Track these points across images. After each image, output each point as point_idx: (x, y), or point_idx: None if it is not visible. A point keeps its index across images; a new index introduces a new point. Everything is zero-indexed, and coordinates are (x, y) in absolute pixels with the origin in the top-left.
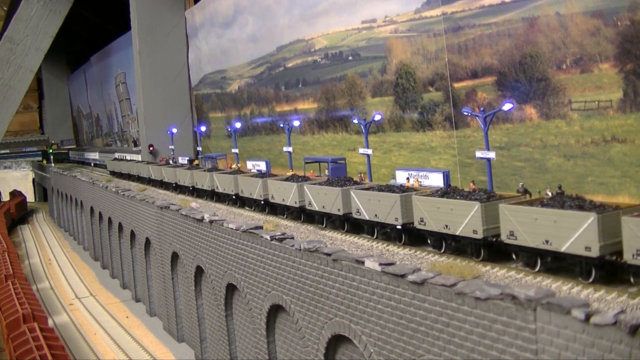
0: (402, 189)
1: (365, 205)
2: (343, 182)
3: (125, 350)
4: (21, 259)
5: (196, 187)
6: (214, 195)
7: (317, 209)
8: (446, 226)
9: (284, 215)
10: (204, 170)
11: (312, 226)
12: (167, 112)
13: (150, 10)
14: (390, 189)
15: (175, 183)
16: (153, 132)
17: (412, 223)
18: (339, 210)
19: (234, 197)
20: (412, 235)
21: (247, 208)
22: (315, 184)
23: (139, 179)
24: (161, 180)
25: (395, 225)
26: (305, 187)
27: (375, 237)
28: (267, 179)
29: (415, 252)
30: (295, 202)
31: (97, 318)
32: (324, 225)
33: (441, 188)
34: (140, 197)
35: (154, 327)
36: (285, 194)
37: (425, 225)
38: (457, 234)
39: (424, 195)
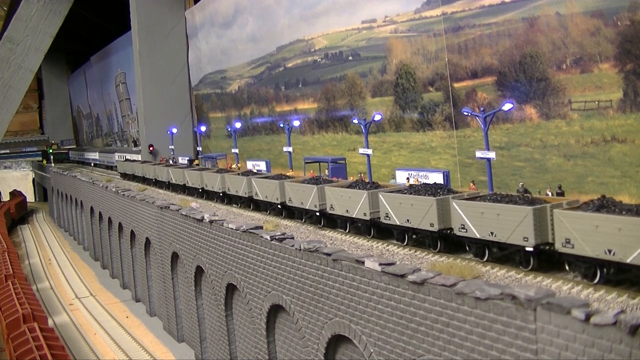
0: (436, 187)
1: (396, 209)
2: (368, 185)
3: (125, 350)
4: (21, 259)
5: (229, 192)
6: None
7: (339, 213)
8: (492, 233)
9: (302, 220)
10: (238, 174)
11: (333, 232)
12: (167, 112)
13: (150, 10)
14: (425, 189)
15: (202, 188)
16: (153, 132)
17: (451, 229)
18: (365, 214)
19: (279, 205)
20: (449, 243)
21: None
22: (337, 186)
23: (156, 182)
24: (184, 185)
25: (430, 231)
26: (326, 190)
27: (405, 243)
28: (284, 181)
29: (415, 252)
30: (315, 206)
31: (97, 318)
32: (346, 230)
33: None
34: (140, 197)
35: (154, 327)
36: (304, 197)
37: (466, 232)
38: (505, 241)
39: (465, 199)
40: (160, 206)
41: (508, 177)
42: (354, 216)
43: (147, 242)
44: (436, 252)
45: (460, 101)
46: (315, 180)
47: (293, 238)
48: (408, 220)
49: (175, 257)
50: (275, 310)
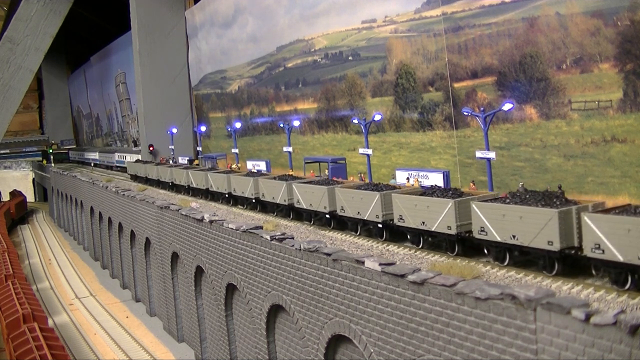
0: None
1: (410, 211)
2: (379, 186)
3: (125, 350)
4: (21, 259)
5: (263, 199)
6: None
7: (351, 214)
8: (513, 236)
9: (310, 222)
10: (275, 178)
11: (342, 234)
12: (167, 112)
13: (150, 10)
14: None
15: (229, 193)
16: (153, 132)
17: (470, 232)
18: (377, 216)
19: (288, 206)
20: (466, 246)
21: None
22: (349, 187)
23: (173, 186)
24: (207, 189)
25: (448, 234)
26: (337, 191)
27: (420, 246)
28: (291, 181)
29: (415, 252)
30: (325, 207)
31: (97, 318)
32: (357, 233)
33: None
34: (140, 197)
35: (154, 327)
36: (314, 198)
37: (486, 235)
38: (529, 245)
39: (484, 200)
40: (160, 206)
41: (508, 177)
42: (365, 218)
43: (147, 242)
44: (454, 256)
45: (460, 101)
46: (326, 181)
47: (293, 238)
48: (424, 223)
49: (175, 257)
50: (275, 310)
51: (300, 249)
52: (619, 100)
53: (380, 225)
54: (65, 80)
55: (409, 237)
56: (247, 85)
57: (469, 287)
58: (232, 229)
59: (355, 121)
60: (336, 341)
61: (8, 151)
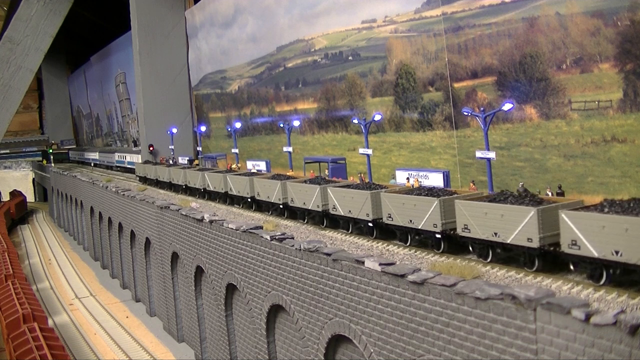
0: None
1: (398, 209)
2: (369, 186)
3: (125, 350)
4: (21, 259)
5: (310, 208)
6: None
7: (401, 223)
8: (495, 234)
9: (348, 230)
10: (305, 182)
11: (343, 234)
12: (167, 112)
13: (150, 10)
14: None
15: (252, 197)
16: (153, 132)
17: (455, 229)
18: (367, 215)
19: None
20: (452, 243)
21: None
22: (396, 192)
23: (186, 189)
24: (226, 193)
25: (434, 232)
26: (383, 196)
27: (408, 244)
28: (325, 186)
29: (415, 252)
30: (367, 215)
31: (97, 318)
32: (349, 231)
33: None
34: (140, 197)
35: (154, 327)
36: (354, 204)
37: (470, 232)
38: (508, 242)
39: (469, 199)
40: (160, 206)
41: (508, 177)
42: (357, 217)
43: (147, 242)
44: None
45: (460, 101)
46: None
47: (293, 238)
48: (411, 221)
49: (175, 257)
50: (275, 310)
51: (300, 249)
52: (619, 100)
53: (370, 224)
54: (65, 80)
55: (397, 235)
56: (247, 85)
57: (469, 287)
58: (232, 229)
59: (355, 121)
60: (336, 341)
61: (8, 151)
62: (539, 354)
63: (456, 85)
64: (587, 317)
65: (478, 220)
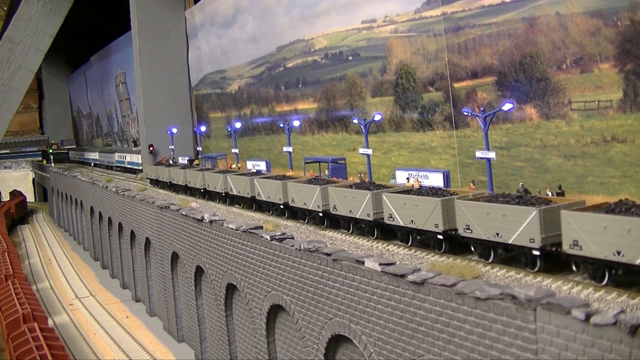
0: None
1: (400, 210)
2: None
3: (125, 350)
4: (21, 259)
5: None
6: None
7: (401, 223)
8: (497, 234)
9: (349, 230)
10: (353, 187)
11: (343, 234)
12: (167, 112)
13: (150, 10)
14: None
15: (285, 204)
16: (153, 132)
17: (456, 230)
18: (368, 215)
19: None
20: (453, 244)
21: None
22: (398, 192)
23: (205, 193)
24: (252, 198)
25: (435, 232)
26: (384, 196)
27: (409, 244)
28: (326, 186)
29: (415, 252)
30: (369, 215)
31: (97, 318)
32: (350, 231)
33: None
34: (140, 197)
35: (154, 327)
36: (355, 204)
37: (471, 232)
38: (510, 242)
39: (471, 199)
40: (160, 206)
41: (508, 177)
42: (357, 216)
43: (147, 242)
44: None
45: (460, 101)
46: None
47: (293, 238)
48: (412, 221)
49: (175, 257)
50: (275, 310)
51: (300, 249)
52: (619, 100)
53: (371, 224)
54: (65, 80)
55: (399, 235)
56: (247, 85)
57: (469, 287)
58: (232, 229)
59: (355, 121)
60: (336, 341)
61: (8, 151)
62: (539, 354)
63: (456, 85)
64: (587, 317)
65: (480, 220)
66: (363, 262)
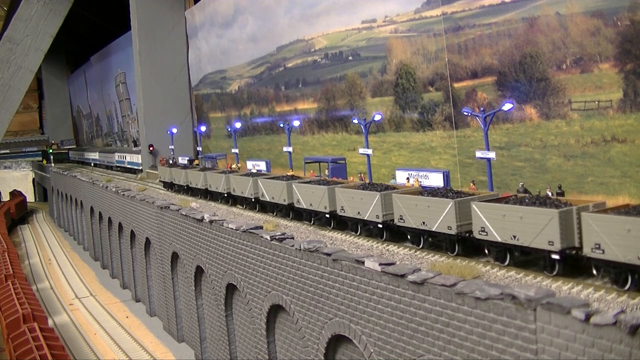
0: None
1: (411, 211)
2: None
3: (125, 350)
4: (21, 259)
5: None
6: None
7: (413, 225)
8: (514, 237)
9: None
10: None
11: (342, 234)
12: (167, 112)
13: (150, 10)
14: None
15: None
16: (153, 132)
17: (470, 232)
18: (377, 217)
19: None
20: (467, 246)
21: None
22: (409, 192)
23: (229, 198)
24: (291, 206)
25: (449, 234)
26: (395, 197)
27: (421, 246)
28: (333, 186)
29: (415, 252)
30: (377, 217)
31: (97, 318)
32: (420, 246)
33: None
34: (140, 197)
35: (154, 327)
36: (363, 205)
37: (487, 235)
38: (527, 245)
39: (487, 201)
40: (160, 206)
41: (508, 177)
42: (366, 218)
43: (147, 242)
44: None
45: (460, 101)
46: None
47: (293, 238)
48: (424, 223)
49: (175, 257)
50: (275, 310)
51: (300, 249)
52: (619, 100)
53: (380, 226)
54: (65, 80)
55: (409, 237)
56: (247, 85)
57: (469, 287)
58: (232, 229)
59: (355, 121)
60: (336, 341)
61: (8, 151)
62: (539, 354)
63: (456, 85)
64: (587, 317)
65: (496, 222)
66: (363, 262)
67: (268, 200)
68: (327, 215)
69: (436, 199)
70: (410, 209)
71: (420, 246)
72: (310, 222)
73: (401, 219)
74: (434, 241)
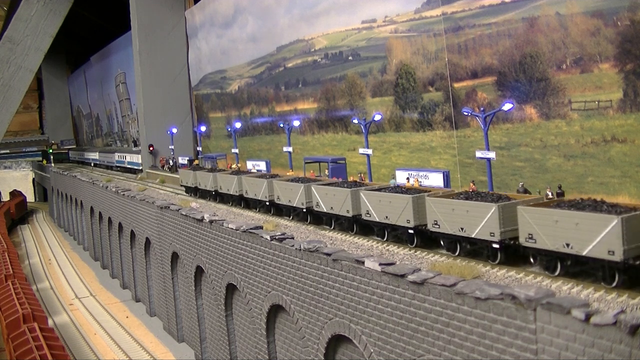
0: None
1: (447, 216)
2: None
3: (125, 350)
4: (21, 259)
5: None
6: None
7: (449, 231)
8: (567, 245)
9: (383, 238)
10: (333, 185)
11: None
12: (167, 112)
13: (150, 10)
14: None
15: (271, 202)
16: (153, 132)
17: (516, 238)
18: (408, 221)
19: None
20: (509, 254)
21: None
22: (445, 196)
23: (272, 206)
24: (352, 217)
25: (491, 241)
26: (429, 201)
27: (457, 253)
28: (357, 189)
29: (415, 252)
30: (408, 222)
31: (97, 318)
32: (456, 253)
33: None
34: (140, 197)
35: (154, 327)
36: (391, 209)
37: (535, 242)
38: (583, 254)
39: (535, 205)
40: (160, 206)
41: (508, 177)
42: (396, 223)
43: (147, 242)
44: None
45: (460, 101)
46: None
47: (293, 238)
48: (462, 229)
49: (175, 257)
50: (275, 310)
51: (300, 249)
52: (619, 100)
53: (411, 231)
54: (65, 80)
55: (442, 243)
56: (247, 85)
57: (469, 287)
58: (232, 229)
59: (355, 121)
60: (336, 341)
61: (8, 151)
62: (539, 354)
63: (456, 85)
64: (587, 317)
65: (546, 229)
66: (363, 262)
67: (283, 202)
68: (350, 220)
69: (477, 203)
70: (446, 213)
71: (457, 253)
72: (331, 226)
73: (436, 224)
74: (474, 249)
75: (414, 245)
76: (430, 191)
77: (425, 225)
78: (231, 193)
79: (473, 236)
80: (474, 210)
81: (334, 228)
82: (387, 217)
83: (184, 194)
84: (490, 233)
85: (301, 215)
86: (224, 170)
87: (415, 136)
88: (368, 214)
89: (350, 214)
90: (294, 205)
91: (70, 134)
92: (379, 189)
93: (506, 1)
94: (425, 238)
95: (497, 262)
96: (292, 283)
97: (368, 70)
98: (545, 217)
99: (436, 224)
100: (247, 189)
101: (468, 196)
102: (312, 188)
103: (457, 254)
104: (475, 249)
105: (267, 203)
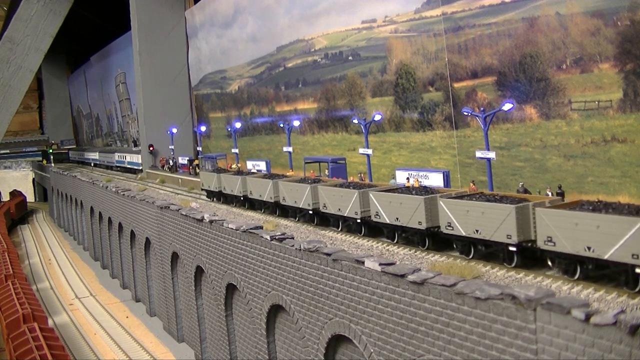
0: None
1: (462, 217)
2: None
3: (125, 350)
4: (21, 259)
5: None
6: None
7: (463, 233)
8: (588, 248)
9: (393, 240)
10: (340, 186)
11: (342, 234)
12: (167, 112)
13: (150, 10)
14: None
15: (277, 203)
16: (153, 132)
17: (534, 242)
18: (420, 223)
19: None
20: (526, 257)
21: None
22: (458, 197)
23: (314, 216)
24: (361, 219)
25: (508, 244)
26: (442, 202)
27: (471, 256)
28: (366, 190)
29: (415, 252)
30: (420, 223)
31: (97, 318)
32: (470, 256)
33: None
34: (140, 197)
35: (154, 327)
36: (402, 211)
37: (554, 245)
38: (605, 258)
39: (555, 207)
40: (160, 206)
41: (508, 177)
42: (407, 225)
43: (147, 242)
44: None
45: (460, 101)
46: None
47: (293, 238)
48: (477, 231)
49: (175, 257)
50: (275, 310)
51: (300, 249)
52: (619, 100)
53: (423, 233)
54: (65, 80)
55: (455, 246)
56: (247, 85)
57: (469, 287)
58: (232, 229)
59: (355, 121)
60: (336, 341)
61: (8, 151)
62: (539, 354)
63: (456, 85)
64: (587, 317)
65: (566, 232)
66: (363, 262)
67: (288, 204)
68: (359, 221)
69: (493, 205)
70: (460, 215)
71: (471, 256)
72: (338, 228)
73: (449, 226)
74: (489, 251)
75: (425, 248)
76: (441, 192)
77: (438, 227)
78: (264, 199)
79: (489, 238)
80: (490, 211)
81: (341, 230)
82: (397, 218)
83: (205, 198)
84: (507, 235)
85: (307, 217)
86: (254, 172)
87: (415, 136)
88: (377, 215)
89: (358, 216)
90: (300, 206)
91: (70, 134)
92: (389, 190)
93: (506, 1)
94: (438, 240)
95: (512, 265)
96: (292, 283)
97: (368, 70)
98: (565, 220)
99: (450, 225)
100: (285, 195)
101: (488, 198)
102: (319, 189)
103: (471, 256)
104: (490, 251)
105: (311, 212)
